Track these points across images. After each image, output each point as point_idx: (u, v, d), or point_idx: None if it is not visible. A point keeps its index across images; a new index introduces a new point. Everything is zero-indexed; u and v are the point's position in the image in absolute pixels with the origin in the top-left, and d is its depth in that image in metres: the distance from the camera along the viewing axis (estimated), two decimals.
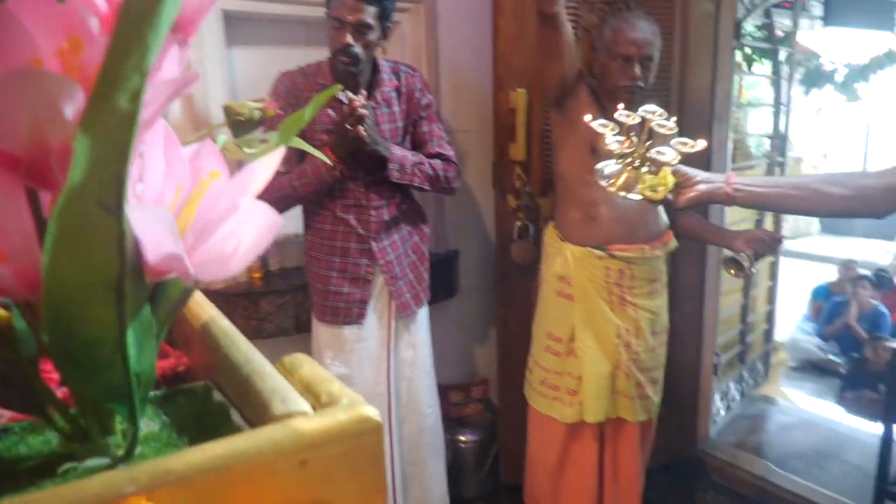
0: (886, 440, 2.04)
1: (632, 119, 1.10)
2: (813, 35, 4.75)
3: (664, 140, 1.08)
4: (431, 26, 2.15)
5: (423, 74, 2.12)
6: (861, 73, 4.87)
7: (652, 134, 1.07)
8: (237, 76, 2.01)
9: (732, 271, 1.76)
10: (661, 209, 1.87)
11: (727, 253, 1.76)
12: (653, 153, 1.06)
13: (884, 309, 4.35)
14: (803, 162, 7.57)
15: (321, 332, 1.84)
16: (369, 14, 1.60)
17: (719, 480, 2.43)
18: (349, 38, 1.60)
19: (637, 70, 1.71)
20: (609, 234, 1.79)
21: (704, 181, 1.11)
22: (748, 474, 2.36)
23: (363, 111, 1.56)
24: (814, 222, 7.71)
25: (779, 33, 3.06)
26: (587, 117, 1.18)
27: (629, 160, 1.08)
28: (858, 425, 3.09)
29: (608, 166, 1.10)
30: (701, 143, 1.08)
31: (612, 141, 1.09)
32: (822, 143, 7.43)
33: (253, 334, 1.97)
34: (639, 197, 1.08)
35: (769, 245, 1.75)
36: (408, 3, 2.09)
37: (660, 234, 1.84)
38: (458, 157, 2.33)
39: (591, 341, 1.83)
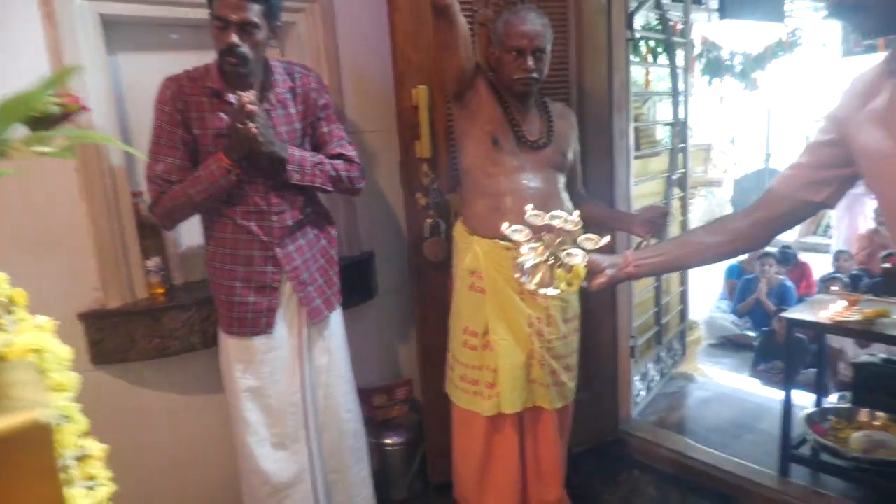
0: (787, 406, 2.15)
1: (541, 220, 1.20)
2: (713, 27, 4.99)
3: (572, 234, 1.19)
4: (329, 25, 2.11)
5: (325, 75, 2.09)
6: (756, 62, 5.16)
7: (560, 232, 1.18)
8: (124, 83, 1.91)
9: None
10: (565, 197, 1.90)
11: (634, 243, 1.84)
12: (564, 256, 1.16)
13: (789, 283, 4.61)
14: (713, 149, 7.95)
15: (229, 345, 1.77)
16: (254, 12, 1.55)
17: (642, 459, 2.51)
18: (235, 38, 1.54)
19: (530, 62, 1.74)
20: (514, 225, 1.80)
21: (609, 266, 1.24)
22: (669, 451, 2.44)
23: (252, 108, 1.51)
24: (726, 205, 8.11)
25: (679, 26, 3.19)
26: (504, 225, 1.26)
27: (544, 259, 1.18)
28: (770, 395, 3.26)
29: (527, 261, 1.19)
30: (605, 240, 1.21)
31: (526, 250, 1.19)
32: (729, 130, 7.84)
33: (156, 354, 1.88)
34: (557, 291, 1.18)
35: (661, 222, 1.83)
36: (302, 3, 2.04)
37: None
38: (367, 157, 2.31)
39: (504, 332, 1.85)
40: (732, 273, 5.13)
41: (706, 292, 5.52)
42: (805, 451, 2.23)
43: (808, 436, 2.13)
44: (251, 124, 1.52)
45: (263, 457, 1.80)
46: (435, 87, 2.02)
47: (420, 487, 2.39)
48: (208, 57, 1.70)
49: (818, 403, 2.43)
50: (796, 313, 2.12)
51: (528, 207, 1.25)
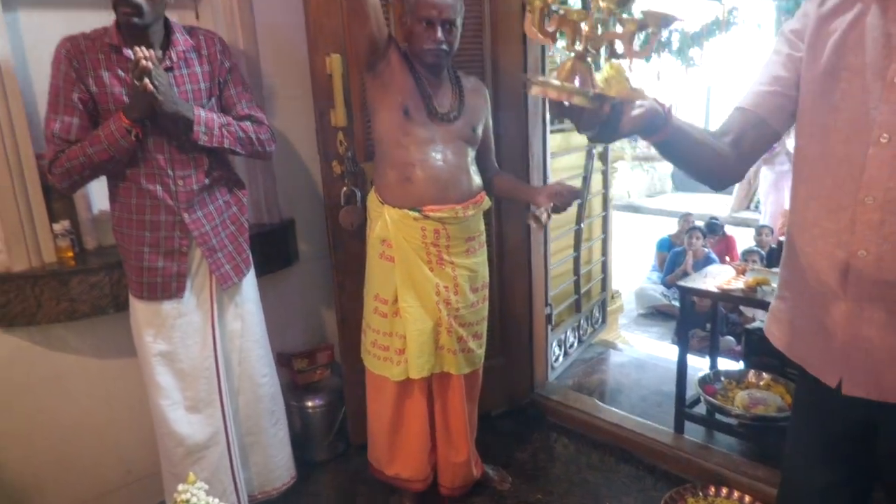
0: (681, 369, 2.30)
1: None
2: (651, 2, 5.07)
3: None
4: None
5: (239, 39, 2.08)
6: (693, 39, 5.29)
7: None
8: (26, 42, 1.85)
9: (533, 224, 1.92)
10: (474, 170, 1.96)
11: (532, 210, 1.91)
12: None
13: (714, 256, 4.83)
14: None
15: (139, 309, 1.78)
16: None
17: (555, 420, 2.65)
18: None
19: (440, 33, 1.77)
20: (423, 196, 1.85)
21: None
22: (578, 412, 2.58)
23: (147, 63, 1.49)
24: (667, 179, 8.37)
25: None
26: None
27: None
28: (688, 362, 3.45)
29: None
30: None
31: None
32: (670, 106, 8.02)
33: (65, 318, 1.88)
34: (587, 98, 0.86)
35: (567, 198, 1.91)
36: None
37: (472, 194, 1.93)
38: (286, 123, 2.31)
39: (412, 300, 1.91)
40: (663, 246, 5.34)
41: (638, 264, 5.74)
42: (701, 410, 2.40)
43: (701, 396, 2.29)
44: (147, 81, 1.51)
45: (177, 420, 1.83)
46: (350, 56, 2.03)
47: (341, 448, 2.47)
48: (112, 15, 1.67)
49: (713, 366, 2.60)
50: (691, 282, 2.26)
51: None
